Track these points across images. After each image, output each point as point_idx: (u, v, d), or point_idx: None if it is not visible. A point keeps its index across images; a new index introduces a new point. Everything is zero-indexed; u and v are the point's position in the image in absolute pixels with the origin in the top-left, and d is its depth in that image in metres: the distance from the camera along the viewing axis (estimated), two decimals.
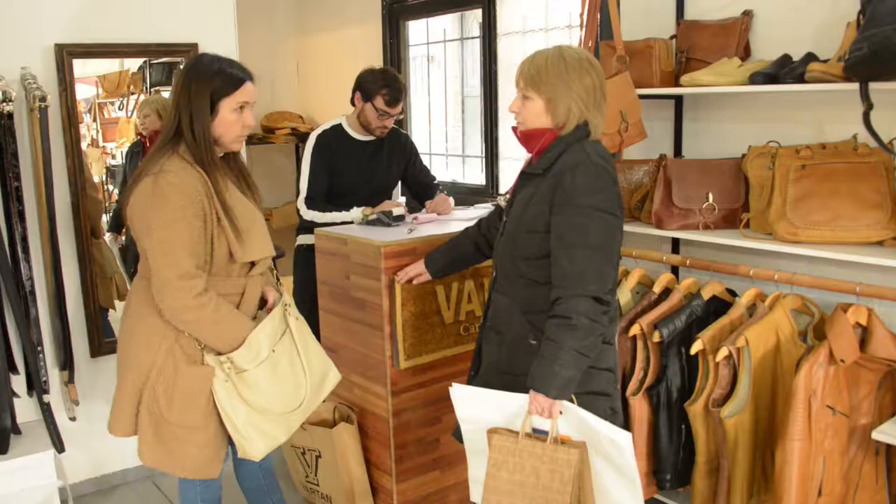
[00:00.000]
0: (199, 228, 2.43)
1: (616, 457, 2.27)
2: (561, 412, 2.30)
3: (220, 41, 3.83)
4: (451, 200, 3.82)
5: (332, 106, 5.73)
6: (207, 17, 3.89)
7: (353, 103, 3.87)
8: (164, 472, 2.63)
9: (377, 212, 3.46)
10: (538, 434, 2.35)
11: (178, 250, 2.39)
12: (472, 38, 4.90)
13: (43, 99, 3.25)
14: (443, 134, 5.48)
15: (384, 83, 3.75)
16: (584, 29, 3.19)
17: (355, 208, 3.70)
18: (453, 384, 2.53)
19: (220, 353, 2.53)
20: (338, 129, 3.90)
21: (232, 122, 2.53)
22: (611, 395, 2.50)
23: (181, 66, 2.64)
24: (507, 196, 2.66)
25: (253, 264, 2.62)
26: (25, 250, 3.33)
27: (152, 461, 2.60)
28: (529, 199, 2.43)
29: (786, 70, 2.85)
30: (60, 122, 3.54)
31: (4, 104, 3.20)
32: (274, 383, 2.60)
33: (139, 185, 2.43)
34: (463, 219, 3.53)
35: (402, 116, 3.94)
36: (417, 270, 3.00)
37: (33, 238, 3.43)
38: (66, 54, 3.52)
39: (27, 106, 3.39)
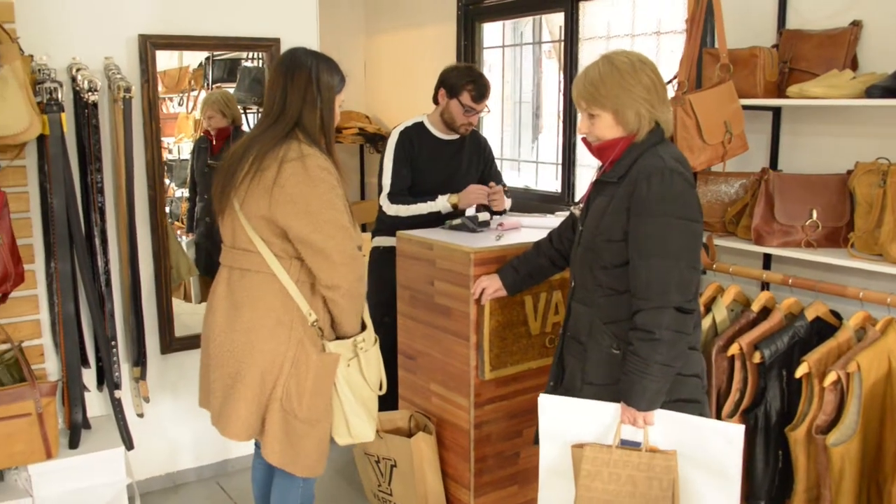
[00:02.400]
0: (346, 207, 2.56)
1: (719, 455, 2.29)
2: (654, 423, 2.31)
3: (302, 37, 3.75)
4: (509, 202, 3.78)
5: (399, 107, 5.66)
6: (290, 12, 3.82)
7: (435, 101, 3.80)
8: (288, 471, 2.64)
9: (463, 218, 3.36)
10: (627, 446, 2.35)
11: (347, 226, 2.51)
12: (548, 42, 4.81)
13: (128, 89, 3.20)
14: (515, 139, 5.40)
15: (470, 78, 3.68)
16: (688, 35, 3.07)
17: (440, 197, 3.64)
18: (542, 395, 2.50)
19: (344, 337, 2.65)
20: (420, 126, 3.82)
21: (337, 115, 2.65)
22: (700, 402, 2.44)
23: (286, 57, 2.59)
24: (581, 205, 2.59)
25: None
26: (104, 242, 3.28)
27: (281, 460, 2.61)
28: (605, 208, 2.38)
29: None
30: (142, 114, 3.48)
31: (90, 94, 3.14)
32: (378, 362, 2.76)
33: (283, 172, 2.46)
34: (546, 226, 3.42)
35: (487, 112, 3.89)
36: (494, 286, 2.92)
37: (111, 231, 3.37)
38: (149, 45, 3.46)
39: (110, 97, 3.34)
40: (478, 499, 3.18)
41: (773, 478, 2.94)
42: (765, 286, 3.31)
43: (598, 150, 2.43)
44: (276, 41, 3.75)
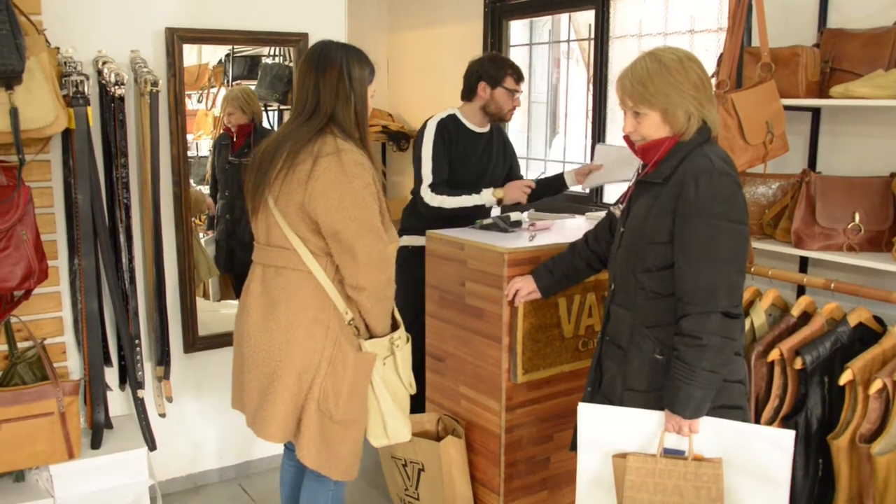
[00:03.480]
0: (379, 204, 2.52)
1: (768, 462, 2.24)
2: (699, 431, 2.27)
3: (330, 31, 3.67)
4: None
5: (423, 105, 5.58)
6: (318, 7, 3.76)
7: (467, 98, 3.77)
8: (324, 473, 2.59)
9: (494, 217, 3.30)
10: (670, 454, 2.30)
11: (377, 225, 2.46)
12: (579, 40, 4.73)
13: (155, 83, 3.13)
14: (543, 137, 5.34)
15: (507, 63, 3.75)
16: (730, 34, 3.00)
17: (485, 190, 3.61)
18: (581, 403, 2.44)
19: (375, 336, 2.61)
20: (454, 118, 3.76)
21: (370, 107, 2.62)
22: (743, 408, 2.39)
23: (315, 51, 2.53)
24: (621, 205, 2.52)
25: None
26: (129, 239, 3.23)
27: (317, 462, 2.56)
28: (650, 209, 2.31)
29: None
30: (168, 109, 3.42)
31: (117, 87, 3.09)
32: (409, 361, 2.74)
33: (318, 167, 2.42)
34: (578, 227, 3.36)
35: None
36: (528, 288, 2.86)
37: (135, 227, 3.31)
38: (177, 39, 3.40)
39: (136, 91, 3.28)
40: None
41: (812, 487, 2.87)
42: (801, 290, 3.24)
43: (642, 149, 2.37)
44: (305, 36, 3.69)
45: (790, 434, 2.22)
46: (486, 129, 3.81)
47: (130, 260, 3.24)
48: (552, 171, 5.06)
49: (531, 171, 5.28)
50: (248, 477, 3.86)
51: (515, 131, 5.36)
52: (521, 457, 3.11)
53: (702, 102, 2.27)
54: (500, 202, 3.62)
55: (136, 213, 3.32)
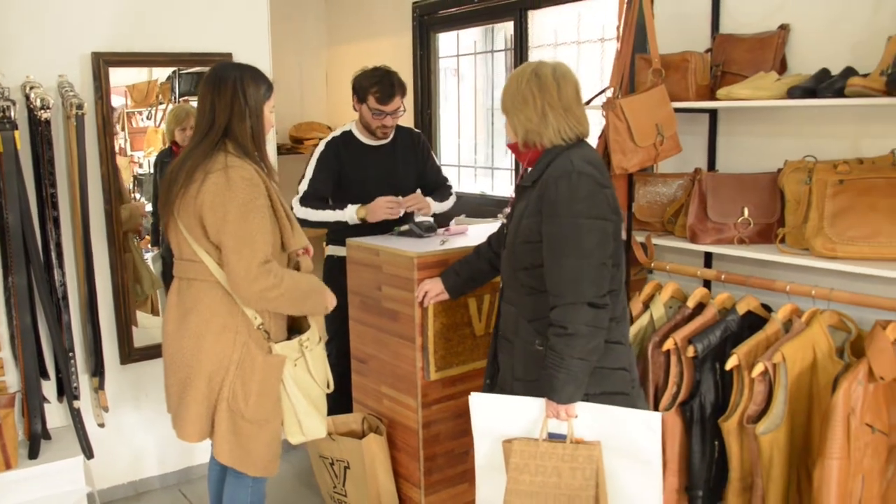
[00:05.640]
0: (269, 218, 2.62)
1: (640, 442, 2.39)
2: (577, 415, 2.41)
3: (253, 51, 3.85)
4: (429, 200, 3.80)
5: None
6: (241, 28, 3.90)
7: (355, 108, 3.84)
8: (239, 470, 2.74)
9: (410, 223, 3.45)
10: (554, 438, 2.46)
11: (257, 241, 2.56)
12: (500, 50, 4.91)
13: (80, 106, 3.27)
14: (472, 146, 5.47)
15: (374, 80, 3.69)
16: (620, 41, 3.17)
17: (350, 207, 3.66)
18: (472, 393, 2.60)
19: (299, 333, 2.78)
20: (347, 135, 3.86)
21: (269, 122, 2.76)
22: (629, 395, 2.54)
23: (212, 72, 2.70)
24: (508, 210, 2.70)
25: (289, 260, 2.80)
26: (59, 256, 3.35)
27: (230, 459, 2.71)
28: (523, 212, 2.49)
29: (824, 84, 2.83)
30: (96, 130, 3.56)
31: (42, 111, 3.22)
32: (324, 360, 2.87)
33: (206, 183, 2.55)
34: (492, 231, 3.51)
35: (403, 114, 3.83)
36: (437, 290, 3.02)
37: (67, 244, 3.44)
38: (102, 62, 3.54)
39: (63, 113, 3.41)
40: (429, 497, 3.26)
41: (710, 467, 3.03)
42: (707, 283, 3.41)
43: (517, 155, 2.57)
44: (228, 56, 3.83)
45: (657, 416, 2.38)
46: (383, 140, 3.86)
47: (62, 276, 3.37)
48: (491, 179, 5.21)
49: (470, 180, 5.42)
50: (189, 482, 3.99)
51: (480, 140, 5.46)
52: (440, 451, 3.26)
53: (546, 113, 2.43)
54: (364, 221, 3.63)
55: (66, 230, 3.45)
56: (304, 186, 3.80)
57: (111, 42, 3.59)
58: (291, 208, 3.75)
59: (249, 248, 2.54)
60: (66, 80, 3.45)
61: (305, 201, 3.76)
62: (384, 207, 3.61)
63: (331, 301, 2.86)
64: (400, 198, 3.68)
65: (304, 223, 3.66)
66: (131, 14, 3.64)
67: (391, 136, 3.88)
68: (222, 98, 2.63)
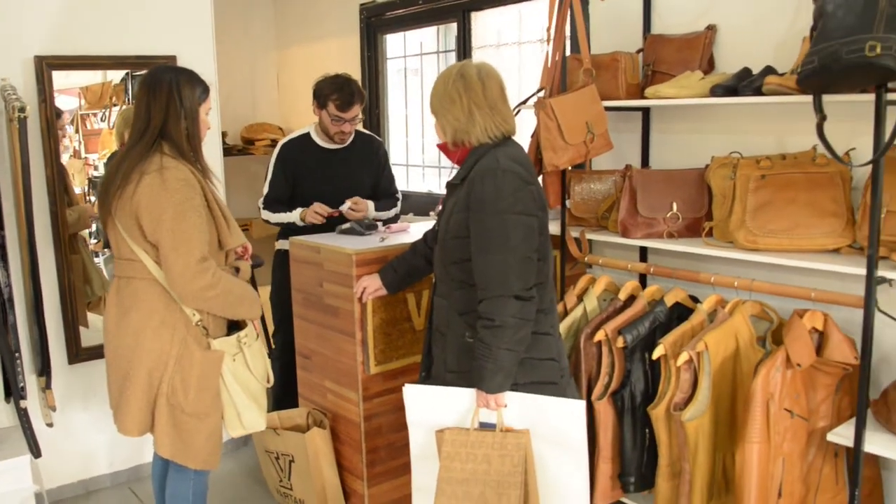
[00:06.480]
0: (205, 217, 2.69)
1: (565, 429, 2.48)
2: (506, 405, 2.49)
3: (198, 53, 3.90)
4: (368, 203, 3.87)
5: (311, 117, 5.73)
6: (186, 30, 3.96)
7: (315, 113, 3.94)
8: (180, 463, 2.80)
9: (352, 222, 3.53)
10: (485, 427, 2.54)
11: (194, 239, 2.62)
12: (448, 51, 4.99)
13: (22, 109, 3.30)
14: (420, 146, 5.55)
15: (334, 88, 3.80)
16: (551, 42, 3.27)
17: (296, 210, 3.83)
18: (406, 385, 2.68)
19: (238, 329, 2.85)
20: (305, 137, 3.97)
21: (205, 123, 2.85)
22: (558, 384, 2.62)
23: (148, 75, 2.78)
24: (440, 207, 2.79)
25: (226, 257, 2.86)
26: (3, 257, 3.39)
27: (171, 452, 2.78)
28: (453, 208, 2.57)
29: (745, 83, 2.93)
30: (39, 133, 3.60)
31: None
32: (262, 355, 2.95)
33: (141, 183, 2.62)
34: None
35: (361, 121, 3.96)
36: (375, 286, 3.09)
37: (12, 246, 3.48)
38: (45, 66, 3.58)
39: (6, 116, 3.45)
40: (371, 489, 3.33)
41: (641, 454, 3.13)
42: (643, 277, 3.51)
43: (447, 155, 2.65)
44: (173, 59, 3.88)
45: (581, 404, 2.48)
46: (340, 144, 3.96)
47: (7, 276, 3.40)
48: (438, 178, 5.28)
49: (418, 178, 5.49)
50: (139, 480, 4.03)
51: (429, 138, 5.49)
52: (382, 443, 3.34)
53: (476, 112, 2.50)
54: (304, 222, 3.82)
55: (10, 231, 3.48)
56: (265, 191, 3.94)
57: (55, 45, 3.63)
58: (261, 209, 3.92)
59: (186, 247, 2.61)
60: (9, 84, 3.48)
61: (267, 204, 3.91)
62: (312, 213, 3.77)
63: (258, 313, 2.95)
64: (336, 207, 3.80)
65: (267, 223, 3.90)
66: (75, 17, 3.68)
67: (349, 141, 3.98)
68: (158, 100, 2.70)
